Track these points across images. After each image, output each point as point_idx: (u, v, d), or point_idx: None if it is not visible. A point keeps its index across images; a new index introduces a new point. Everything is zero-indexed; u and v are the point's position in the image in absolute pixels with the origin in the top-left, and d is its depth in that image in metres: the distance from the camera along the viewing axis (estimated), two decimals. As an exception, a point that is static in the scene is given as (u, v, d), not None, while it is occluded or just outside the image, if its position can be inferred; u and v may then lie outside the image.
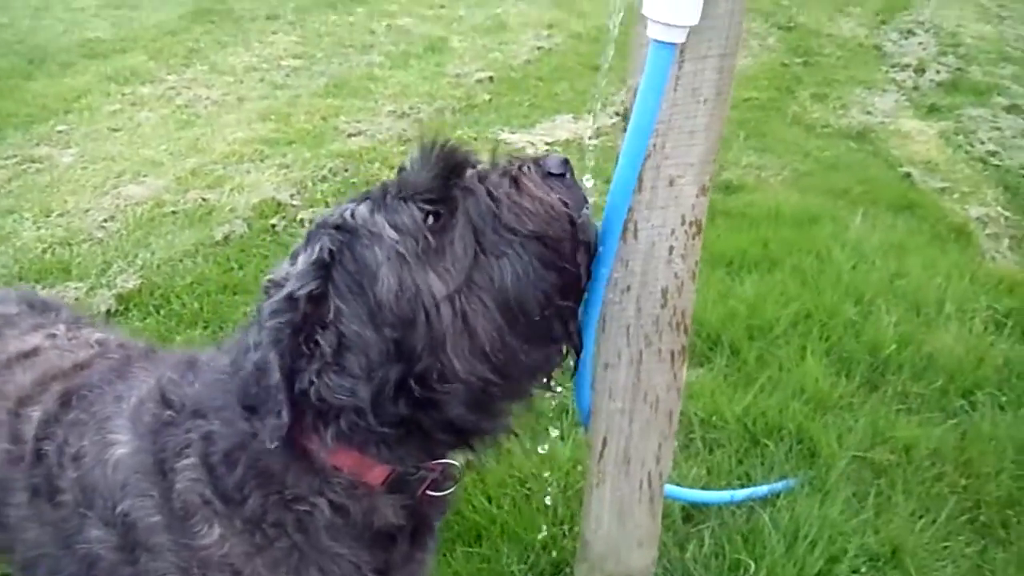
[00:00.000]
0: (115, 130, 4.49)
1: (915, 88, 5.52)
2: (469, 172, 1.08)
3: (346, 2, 6.86)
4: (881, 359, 2.78)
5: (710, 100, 1.18)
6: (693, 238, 1.30)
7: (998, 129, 4.89)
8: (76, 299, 3.02)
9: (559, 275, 1.07)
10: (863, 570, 2.05)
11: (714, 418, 2.50)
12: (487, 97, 5.06)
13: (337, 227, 1.05)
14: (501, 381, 1.06)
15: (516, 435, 1.19)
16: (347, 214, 1.06)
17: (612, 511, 1.65)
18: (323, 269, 1.04)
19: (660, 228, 1.29)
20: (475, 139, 4.45)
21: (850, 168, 4.30)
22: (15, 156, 4.14)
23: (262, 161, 4.15)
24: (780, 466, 2.34)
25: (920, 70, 5.80)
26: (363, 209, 1.06)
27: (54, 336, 1.53)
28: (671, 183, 1.25)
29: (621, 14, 1.16)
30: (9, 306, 1.62)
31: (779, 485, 2.25)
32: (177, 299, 3.04)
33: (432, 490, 1.21)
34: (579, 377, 1.51)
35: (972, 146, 4.66)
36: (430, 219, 1.04)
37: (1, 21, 5.88)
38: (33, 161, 4.11)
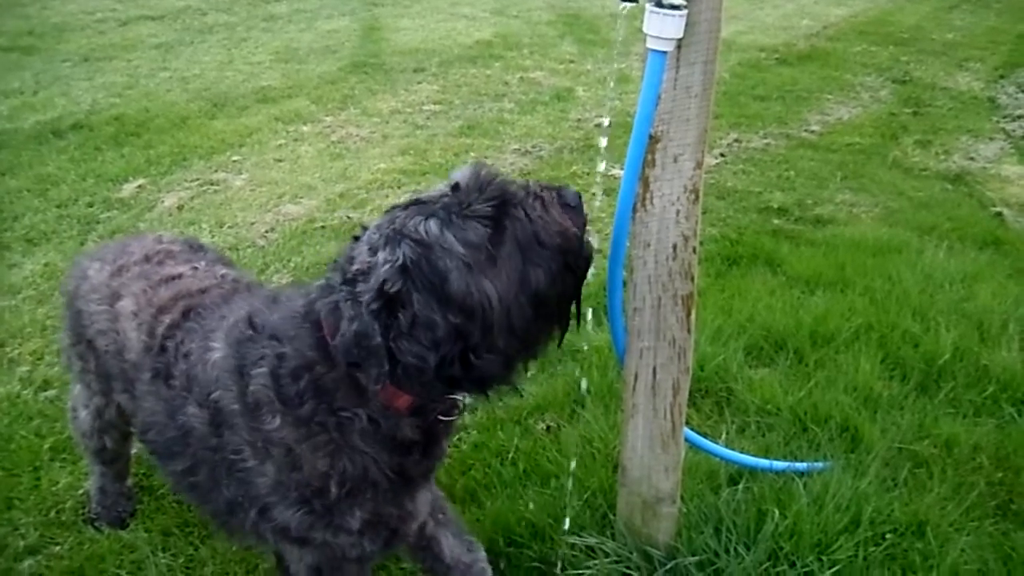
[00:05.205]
0: (279, 160, 5.19)
1: (1024, 138, 5.52)
2: (513, 201, 1.43)
3: (485, 58, 7.51)
4: (936, 367, 2.92)
5: (699, 95, 1.59)
6: (693, 203, 1.69)
7: (1106, 176, 4.85)
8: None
9: (573, 276, 1.50)
10: (886, 536, 2.21)
11: (768, 406, 2.75)
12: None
13: (415, 241, 1.36)
14: (525, 349, 1.49)
15: (526, 372, 1.57)
16: (422, 229, 1.37)
17: (644, 438, 1.99)
18: (405, 272, 1.35)
19: (669, 196, 1.70)
20: (587, 174, 4.90)
21: (942, 206, 4.39)
22: (198, 179, 4.90)
23: (399, 188, 4.73)
24: (824, 448, 2.56)
25: (1033, 121, 5.76)
26: (433, 226, 1.37)
27: (196, 268, 1.99)
28: (675, 160, 1.66)
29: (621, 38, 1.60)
30: (175, 245, 2.13)
31: (819, 464, 2.47)
32: (319, 293, 3.60)
33: (443, 415, 1.57)
34: (614, 323, 1.92)
35: (1075, 191, 4.64)
36: (488, 232, 1.39)
37: (194, 72, 6.86)
38: (212, 184, 4.84)
